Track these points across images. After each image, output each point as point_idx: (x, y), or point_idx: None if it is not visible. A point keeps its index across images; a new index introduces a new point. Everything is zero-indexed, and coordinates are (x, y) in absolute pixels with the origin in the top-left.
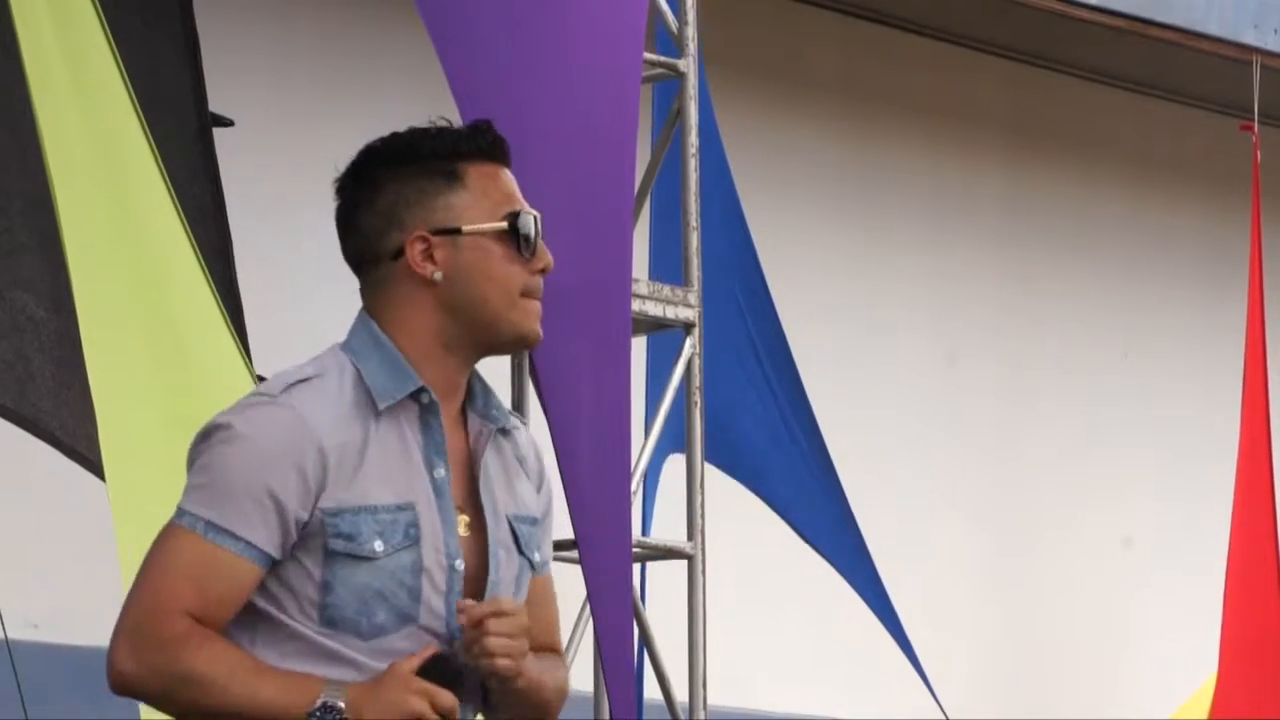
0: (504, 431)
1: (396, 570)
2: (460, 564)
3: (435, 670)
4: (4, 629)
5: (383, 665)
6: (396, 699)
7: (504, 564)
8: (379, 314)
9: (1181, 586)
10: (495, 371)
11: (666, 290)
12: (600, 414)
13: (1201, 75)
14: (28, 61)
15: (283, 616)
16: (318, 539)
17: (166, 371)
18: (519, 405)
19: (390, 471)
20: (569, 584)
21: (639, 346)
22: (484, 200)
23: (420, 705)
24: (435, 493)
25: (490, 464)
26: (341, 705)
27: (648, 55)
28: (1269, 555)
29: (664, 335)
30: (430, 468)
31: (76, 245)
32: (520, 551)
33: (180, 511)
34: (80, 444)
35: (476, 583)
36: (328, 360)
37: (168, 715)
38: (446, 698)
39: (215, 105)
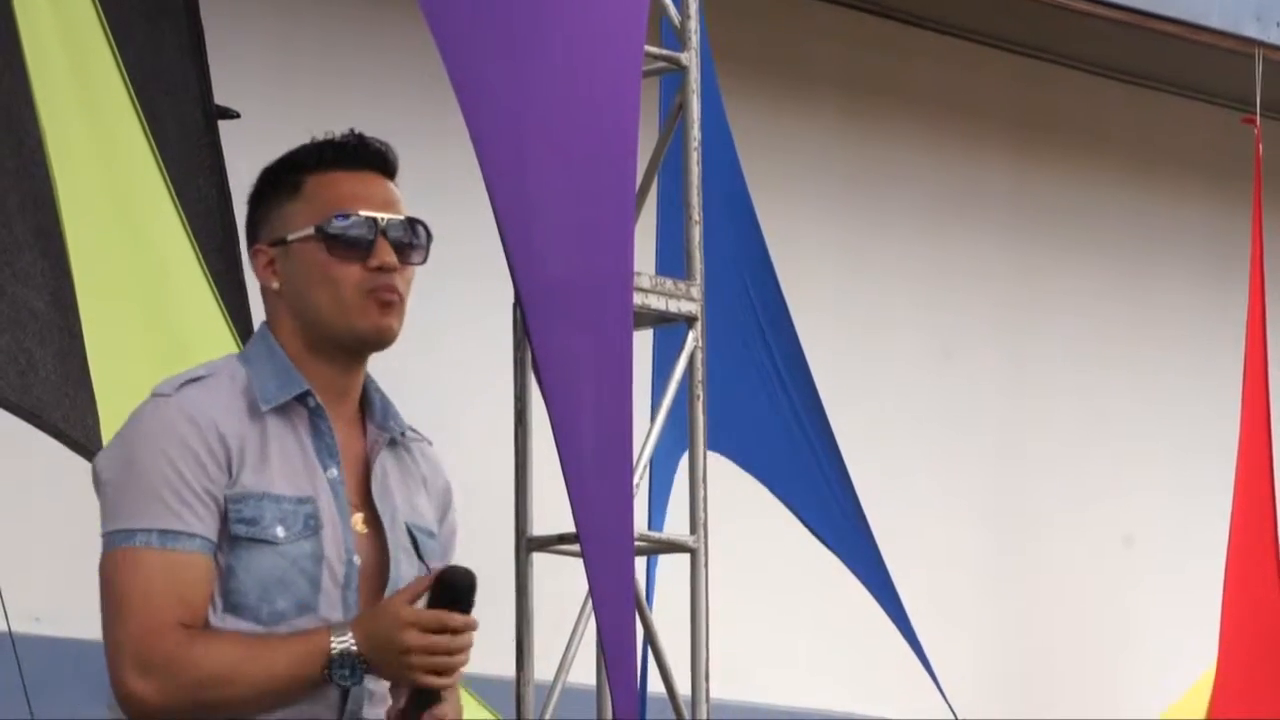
0: (396, 443)
1: (298, 558)
2: (357, 559)
3: (440, 593)
4: (7, 621)
5: None
6: (387, 635)
7: (404, 565)
8: (270, 324)
9: (1183, 582)
10: (499, 369)
11: (669, 284)
12: (601, 408)
13: (1203, 68)
14: (29, 57)
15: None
16: (223, 525)
17: (166, 366)
18: (521, 399)
19: (290, 469)
20: (571, 578)
21: (646, 340)
22: (311, 207)
23: (411, 638)
24: (331, 491)
25: (387, 469)
26: (355, 649)
27: (650, 49)
28: (1268, 548)
29: (671, 329)
30: (324, 468)
31: (78, 241)
32: (420, 558)
33: (127, 533)
34: (81, 435)
35: (375, 580)
36: (219, 365)
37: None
38: (445, 619)
39: (220, 97)
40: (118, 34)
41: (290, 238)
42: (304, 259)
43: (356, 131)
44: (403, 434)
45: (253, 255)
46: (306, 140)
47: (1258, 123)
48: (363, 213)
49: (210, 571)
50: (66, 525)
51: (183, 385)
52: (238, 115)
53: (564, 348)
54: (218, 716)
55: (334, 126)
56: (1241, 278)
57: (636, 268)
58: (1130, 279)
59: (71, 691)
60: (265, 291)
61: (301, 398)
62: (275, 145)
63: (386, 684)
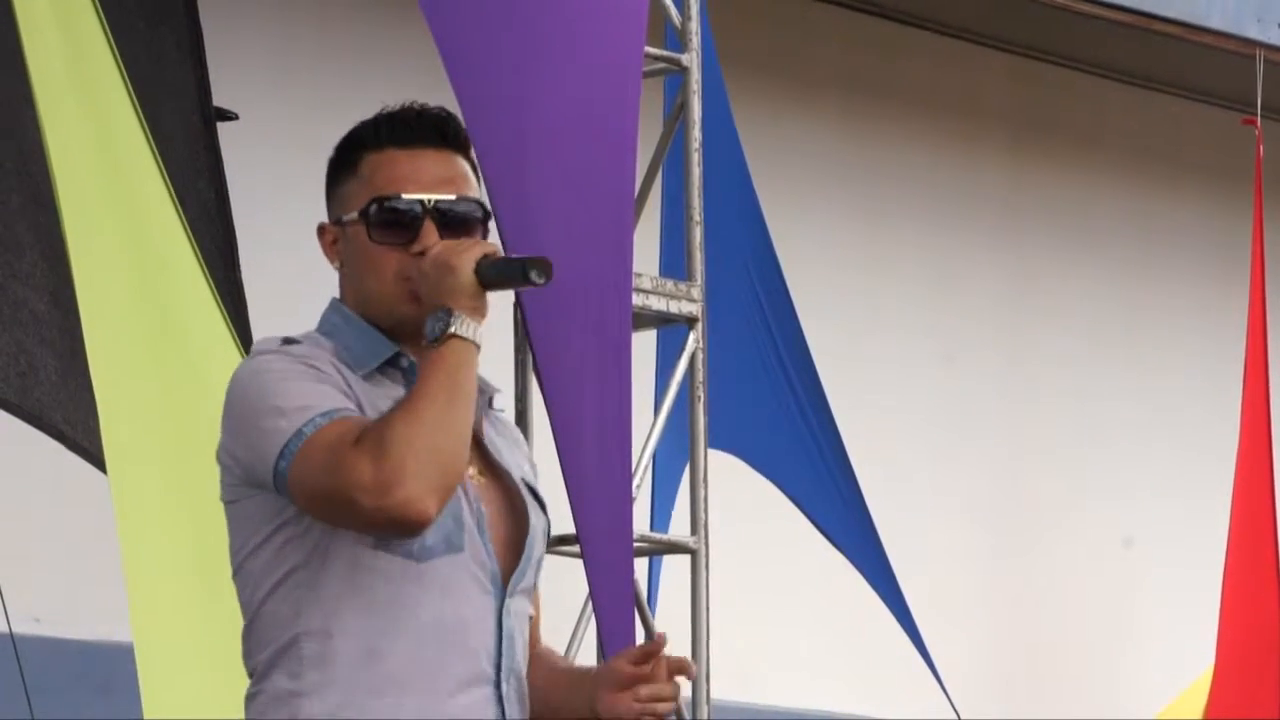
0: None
1: None
2: (483, 508)
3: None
4: (7, 622)
5: (431, 591)
6: (449, 264)
7: (534, 516)
8: (341, 298)
9: (1182, 583)
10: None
11: (670, 285)
12: (602, 409)
13: (1204, 69)
14: (29, 57)
15: (339, 542)
16: None
17: (167, 367)
18: (522, 400)
19: None
20: (570, 579)
21: (649, 341)
22: (366, 188)
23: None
24: None
25: (489, 429)
26: (445, 317)
27: (650, 50)
28: (1268, 550)
29: (674, 330)
30: None
31: (78, 242)
32: (543, 510)
33: (296, 433)
34: (83, 437)
35: (503, 529)
36: (300, 336)
37: (444, 477)
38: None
39: (218, 98)
40: (118, 35)
41: (344, 219)
42: (355, 242)
43: (417, 105)
44: (492, 395)
45: (319, 233)
46: (309, 136)
47: (1258, 124)
48: (408, 195)
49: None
50: (66, 525)
51: (283, 343)
52: (236, 117)
53: (564, 349)
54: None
55: (332, 129)
56: (1242, 280)
57: (638, 269)
58: (1129, 279)
59: (71, 692)
60: (335, 267)
61: (393, 360)
62: (273, 148)
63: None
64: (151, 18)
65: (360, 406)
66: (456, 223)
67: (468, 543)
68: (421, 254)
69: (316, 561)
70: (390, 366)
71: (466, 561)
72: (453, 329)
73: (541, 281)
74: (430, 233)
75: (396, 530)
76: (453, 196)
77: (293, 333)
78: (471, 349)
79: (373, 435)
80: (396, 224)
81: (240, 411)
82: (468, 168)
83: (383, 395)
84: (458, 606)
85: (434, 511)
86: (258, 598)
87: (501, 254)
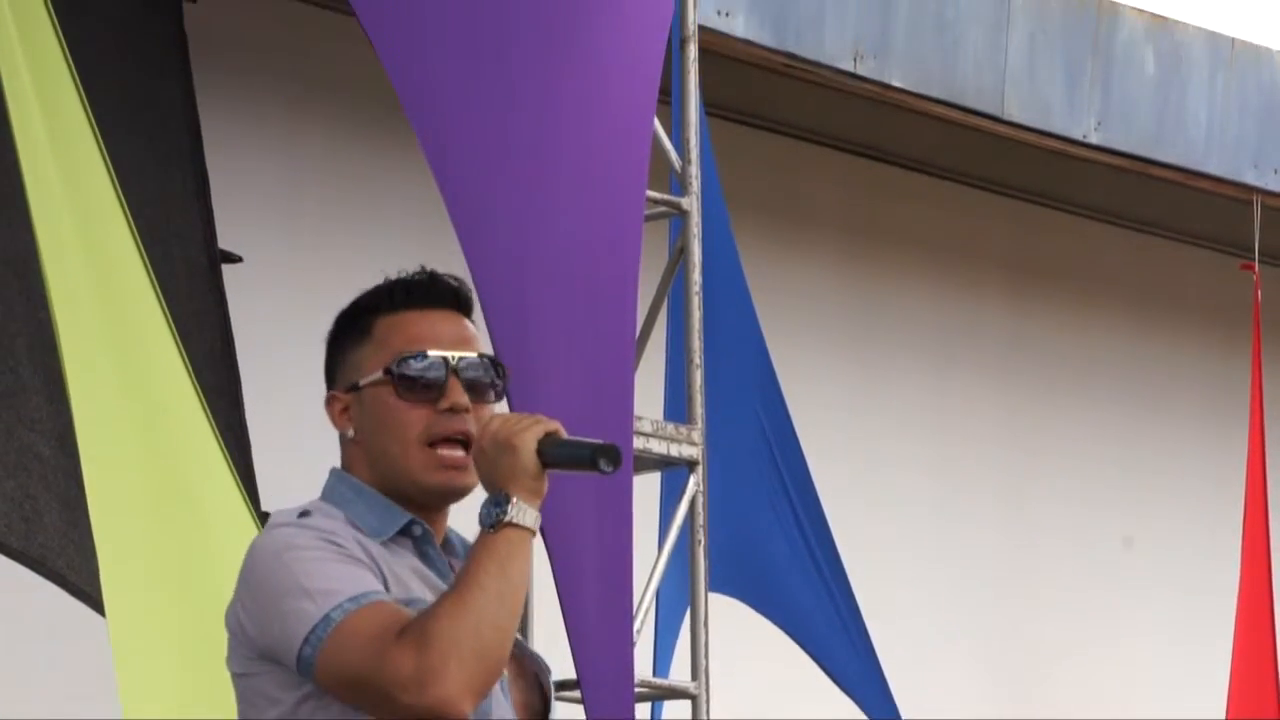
0: None
1: None
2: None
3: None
4: None
5: None
6: (510, 443)
7: (541, 669)
8: (347, 469)
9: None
10: None
11: (671, 428)
12: (602, 553)
13: (1202, 214)
14: (34, 204)
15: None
16: None
17: (168, 515)
18: None
19: (421, 584)
20: None
21: (652, 483)
22: (383, 350)
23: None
24: None
25: None
26: (503, 503)
27: (652, 193)
28: (1269, 687)
29: (678, 472)
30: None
31: (80, 388)
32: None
33: (324, 618)
34: (86, 582)
35: (524, 690)
36: (311, 507)
37: (486, 676)
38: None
39: (223, 241)
40: (129, 176)
41: (362, 383)
42: (375, 404)
43: (428, 269)
44: None
45: (328, 403)
46: (313, 279)
47: (1256, 269)
48: (433, 353)
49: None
50: (66, 671)
51: (301, 515)
52: (240, 259)
53: (564, 491)
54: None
55: (336, 275)
56: (1240, 424)
57: (640, 411)
58: (1129, 422)
59: None
60: (342, 439)
61: (406, 528)
62: (278, 291)
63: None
64: (162, 158)
65: (383, 577)
66: (478, 382)
67: (494, 708)
68: (449, 410)
69: None
70: (402, 534)
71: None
72: (509, 517)
73: (610, 470)
74: (457, 389)
75: None
76: (474, 355)
77: (295, 474)
78: (526, 538)
79: (416, 628)
80: (423, 381)
81: (262, 589)
82: (475, 332)
83: (401, 564)
84: None
85: (469, 711)
86: None
87: (563, 433)
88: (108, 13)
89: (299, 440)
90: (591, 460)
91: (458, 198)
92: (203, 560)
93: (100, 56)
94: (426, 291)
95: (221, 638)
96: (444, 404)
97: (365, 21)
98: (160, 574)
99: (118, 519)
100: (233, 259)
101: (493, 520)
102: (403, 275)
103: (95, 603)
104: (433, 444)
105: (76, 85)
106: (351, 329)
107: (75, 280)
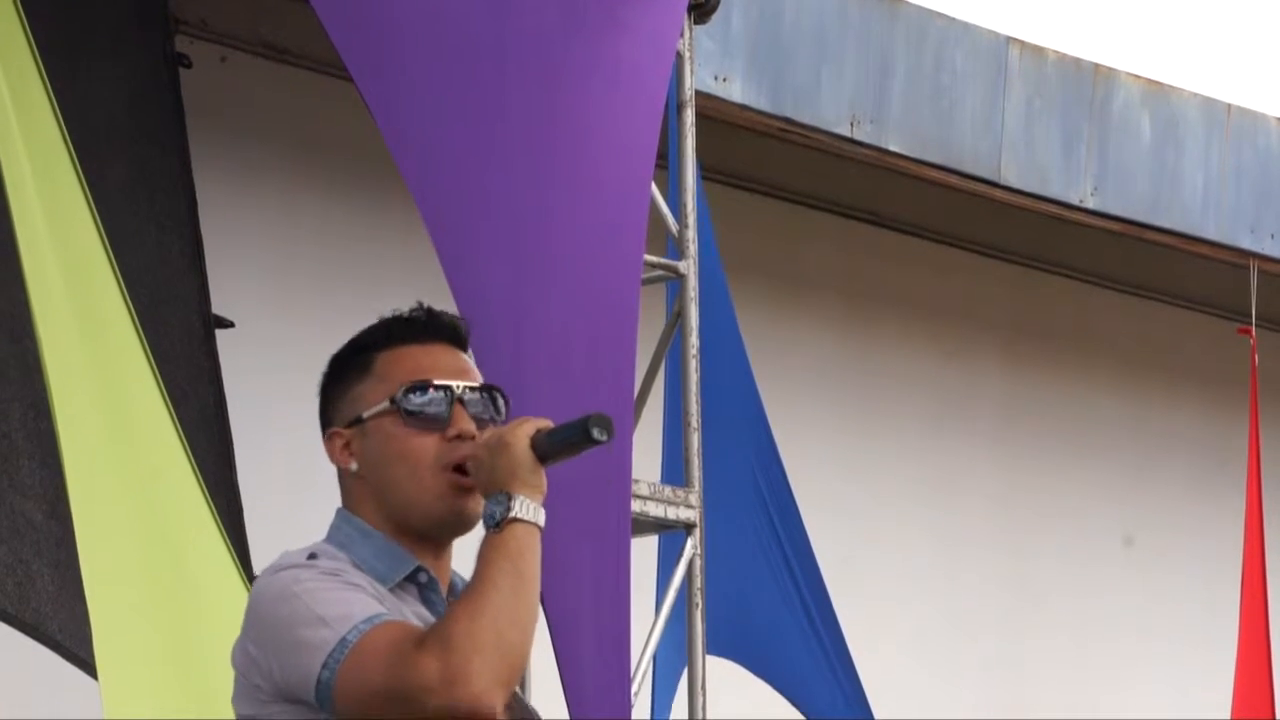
0: None
1: None
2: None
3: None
4: None
5: None
6: (503, 442)
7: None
8: (351, 509)
9: None
10: None
11: (668, 491)
12: (600, 615)
13: (1199, 279)
14: (27, 269)
15: None
16: None
17: (159, 579)
18: None
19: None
20: None
21: (649, 546)
22: (384, 383)
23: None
24: None
25: None
26: (505, 501)
27: (649, 257)
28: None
29: (676, 535)
30: None
31: (72, 454)
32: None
33: (340, 641)
34: (79, 647)
35: None
36: (316, 549)
37: (511, 670)
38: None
39: (216, 304)
40: (129, 242)
41: (366, 415)
42: (381, 435)
43: (425, 305)
44: None
45: (327, 441)
46: (305, 343)
47: (1253, 333)
48: (437, 382)
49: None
50: None
51: (308, 558)
52: (232, 324)
53: (562, 554)
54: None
55: (329, 331)
56: (1237, 487)
57: (637, 474)
58: (1126, 485)
59: None
60: (343, 476)
61: (413, 575)
62: (269, 357)
63: None
64: (162, 224)
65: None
66: (481, 412)
67: None
68: (457, 438)
69: None
70: (408, 580)
71: None
72: (514, 513)
73: (605, 439)
74: (463, 416)
75: None
76: (476, 384)
77: (286, 536)
78: (534, 532)
79: (436, 633)
80: (429, 409)
81: (275, 623)
82: (473, 364)
83: (407, 610)
84: None
85: (500, 705)
86: None
87: (552, 425)
88: (107, 81)
89: (290, 502)
90: (585, 434)
91: (454, 262)
92: (194, 624)
93: (100, 124)
94: (425, 326)
95: (211, 697)
96: (451, 431)
97: (362, 87)
98: (152, 637)
99: (110, 585)
100: (225, 324)
101: (498, 518)
102: (399, 312)
103: (89, 667)
104: (445, 468)
105: (71, 154)
106: (351, 366)
107: (68, 345)
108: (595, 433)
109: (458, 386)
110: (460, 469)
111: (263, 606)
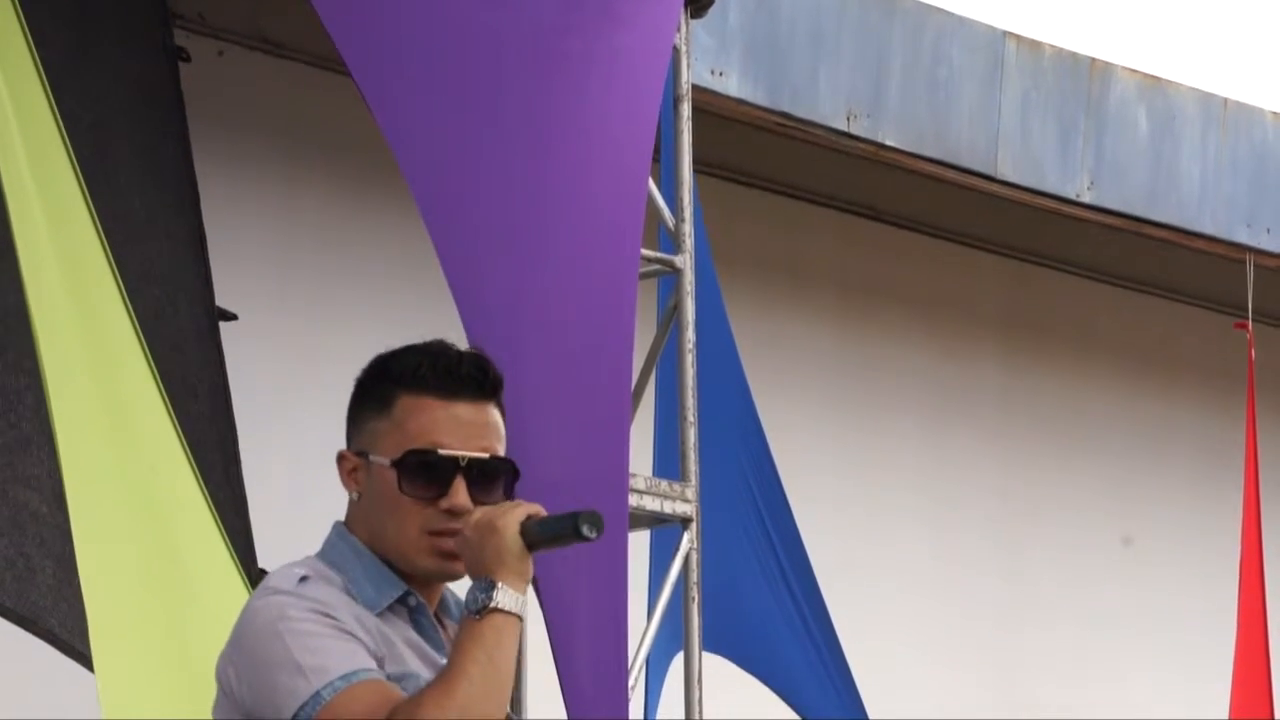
0: None
1: None
2: None
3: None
4: None
5: None
6: (492, 526)
7: None
8: (349, 527)
9: None
10: None
11: (664, 485)
12: (596, 610)
13: (1195, 273)
14: (23, 261)
15: None
16: None
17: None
18: None
19: (417, 658)
20: None
21: (643, 540)
22: (398, 432)
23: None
24: None
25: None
26: (488, 589)
27: (645, 252)
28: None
29: (670, 530)
30: (443, 657)
31: (70, 451)
32: None
33: (314, 696)
34: (78, 641)
35: None
36: (310, 565)
37: None
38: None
39: (219, 298)
40: (139, 230)
41: (372, 458)
42: (380, 484)
43: (455, 350)
44: None
45: (339, 459)
46: (306, 337)
47: (1249, 327)
48: (443, 452)
49: (390, 687)
50: None
51: (299, 582)
52: (235, 317)
53: (558, 550)
54: None
55: (330, 327)
56: (1234, 482)
57: (632, 469)
58: (1123, 479)
59: None
60: (349, 494)
61: (403, 598)
62: (272, 350)
63: None
64: (168, 214)
65: (377, 651)
66: (487, 481)
67: None
68: (449, 512)
69: None
70: (398, 604)
71: None
72: (495, 603)
73: (594, 536)
74: (460, 490)
75: None
76: (486, 455)
77: (290, 530)
78: (514, 623)
79: (406, 711)
80: (429, 479)
81: (255, 657)
82: (499, 417)
83: (396, 635)
84: None
85: None
86: None
87: (544, 513)
88: (109, 69)
89: (293, 495)
90: (574, 529)
91: (453, 257)
92: (193, 622)
93: (105, 112)
94: (451, 378)
95: (206, 691)
96: (445, 504)
97: (360, 81)
98: (149, 635)
99: (106, 581)
100: (228, 316)
101: (479, 606)
102: (431, 349)
103: (86, 660)
104: (433, 534)
105: (69, 154)
106: (374, 394)
107: (65, 343)
108: (585, 529)
109: (463, 458)
110: (447, 534)
111: (247, 638)
